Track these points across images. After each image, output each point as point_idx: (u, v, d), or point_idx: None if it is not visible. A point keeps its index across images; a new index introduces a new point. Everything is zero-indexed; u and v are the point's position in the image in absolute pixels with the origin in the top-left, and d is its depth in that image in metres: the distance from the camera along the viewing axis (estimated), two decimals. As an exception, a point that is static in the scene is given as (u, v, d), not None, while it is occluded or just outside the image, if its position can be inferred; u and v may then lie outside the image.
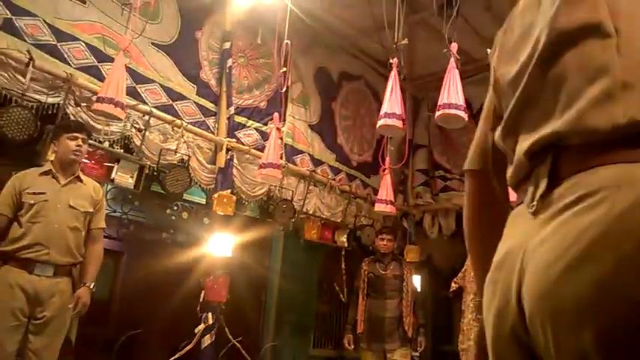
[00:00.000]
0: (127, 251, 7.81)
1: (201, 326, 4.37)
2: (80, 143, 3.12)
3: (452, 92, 3.58)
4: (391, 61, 3.92)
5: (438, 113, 3.61)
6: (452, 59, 3.73)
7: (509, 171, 0.89)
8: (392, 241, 5.03)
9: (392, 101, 3.72)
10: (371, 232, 6.03)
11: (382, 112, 3.75)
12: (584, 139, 0.72)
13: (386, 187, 5.17)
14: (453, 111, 3.51)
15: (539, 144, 0.78)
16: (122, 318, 7.23)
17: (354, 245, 6.02)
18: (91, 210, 3.18)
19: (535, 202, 0.77)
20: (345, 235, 5.96)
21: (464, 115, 3.56)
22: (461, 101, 3.56)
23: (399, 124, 3.69)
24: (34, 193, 2.98)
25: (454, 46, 3.76)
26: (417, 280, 5.25)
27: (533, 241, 0.74)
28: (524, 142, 0.82)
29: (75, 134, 3.12)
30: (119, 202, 5.70)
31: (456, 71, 3.70)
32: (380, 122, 3.74)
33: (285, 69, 4.57)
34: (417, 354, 5.06)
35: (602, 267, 0.63)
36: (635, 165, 0.67)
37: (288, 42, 4.51)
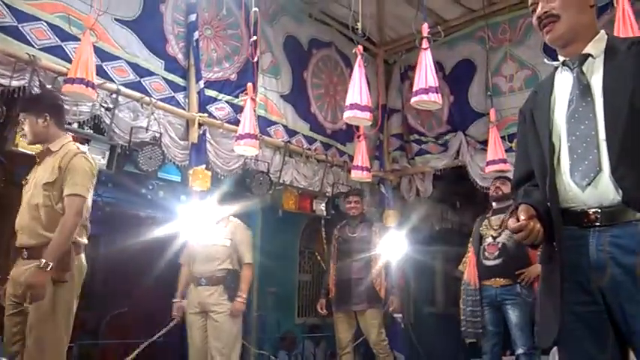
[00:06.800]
0: (104, 234, 7.74)
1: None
2: None
3: (427, 76, 3.63)
4: (356, 50, 3.94)
5: (414, 99, 3.68)
6: (424, 40, 3.73)
7: None
8: (359, 202, 5.00)
9: (358, 91, 3.78)
10: (349, 200, 6.05)
11: (348, 102, 3.81)
12: None
13: (361, 154, 5.19)
14: (429, 97, 3.60)
15: None
16: (105, 299, 7.19)
17: (332, 213, 6.04)
18: (52, 180, 2.77)
19: None
20: (324, 204, 5.96)
21: (439, 99, 3.65)
22: (435, 83, 3.64)
23: (365, 115, 3.78)
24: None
25: (425, 27, 3.76)
26: (395, 243, 5.23)
27: None
28: None
29: None
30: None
31: (429, 53, 3.72)
32: (347, 114, 3.82)
33: (255, 37, 4.51)
34: (400, 315, 5.09)
35: None
36: None
37: (257, 9, 4.46)
